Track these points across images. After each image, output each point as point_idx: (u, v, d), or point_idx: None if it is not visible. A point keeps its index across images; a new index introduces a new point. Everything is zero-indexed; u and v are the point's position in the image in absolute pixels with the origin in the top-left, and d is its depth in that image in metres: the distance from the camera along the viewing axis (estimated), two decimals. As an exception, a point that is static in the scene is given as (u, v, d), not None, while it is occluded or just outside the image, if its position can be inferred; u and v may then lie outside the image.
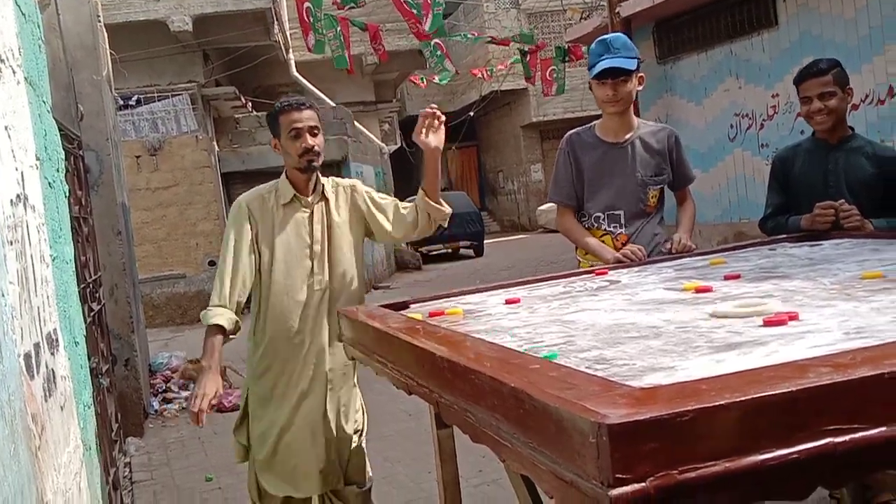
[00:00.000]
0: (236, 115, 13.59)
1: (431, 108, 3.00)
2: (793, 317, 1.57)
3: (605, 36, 3.16)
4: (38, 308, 2.00)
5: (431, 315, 2.34)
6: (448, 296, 2.77)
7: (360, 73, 17.74)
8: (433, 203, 3.03)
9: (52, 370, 2.07)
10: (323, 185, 3.05)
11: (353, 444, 3.06)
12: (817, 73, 3.12)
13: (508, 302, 2.38)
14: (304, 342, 2.94)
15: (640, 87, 3.18)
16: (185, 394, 6.92)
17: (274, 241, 2.94)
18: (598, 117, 3.34)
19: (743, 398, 1.07)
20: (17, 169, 2.00)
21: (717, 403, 1.07)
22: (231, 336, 2.85)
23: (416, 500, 4.05)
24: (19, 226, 1.91)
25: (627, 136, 3.21)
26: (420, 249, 19.04)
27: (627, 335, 1.67)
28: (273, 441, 2.94)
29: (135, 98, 11.46)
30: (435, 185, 3.04)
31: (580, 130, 3.32)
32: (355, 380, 3.11)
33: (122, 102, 10.28)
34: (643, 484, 1.05)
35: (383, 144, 19.47)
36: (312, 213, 3.00)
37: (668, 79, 10.92)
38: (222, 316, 2.82)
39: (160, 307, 11.28)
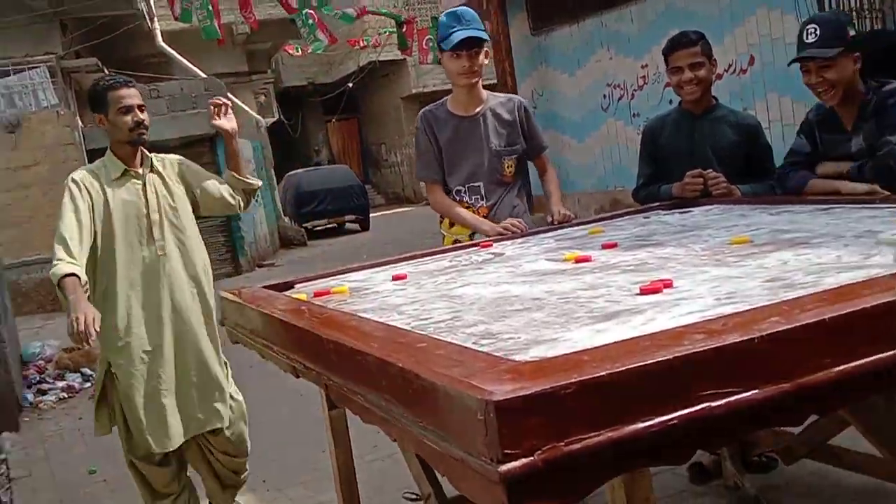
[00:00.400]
0: (101, 89, 12.92)
1: (217, 100, 3.32)
2: (667, 284, 1.63)
3: (454, 9, 3.22)
4: None
5: (317, 295, 2.31)
6: (334, 274, 2.74)
7: (232, 43, 17.17)
8: (240, 177, 3.39)
9: None
10: (151, 159, 3.23)
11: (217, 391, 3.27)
12: (687, 44, 3.22)
13: (395, 278, 2.38)
14: (152, 307, 3.12)
15: (487, 61, 3.24)
16: (60, 384, 6.61)
17: (111, 214, 3.08)
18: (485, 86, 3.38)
19: (622, 368, 1.11)
20: None
21: (598, 375, 1.10)
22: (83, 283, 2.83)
23: (312, 481, 4.03)
24: None
25: (478, 109, 3.26)
26: (305, 225, 18.78)
27: (512, 308, 1.69)
28: (140, 400, 3.10)
29: (-13, 72, 10.71)
30: (237, 161, 3.41)
31: (433, 107, 3.37)
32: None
33: (-28, 77, 9.59)
34: (531, 458, 1.07)
35: (260, 118, 18.98)
36: (145, 184, 3.16)
37: (541, 50, 11.10)
38: (73, 265, 2.83)
39: (29, 294, 10.67)
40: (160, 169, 3.23)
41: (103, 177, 3.12)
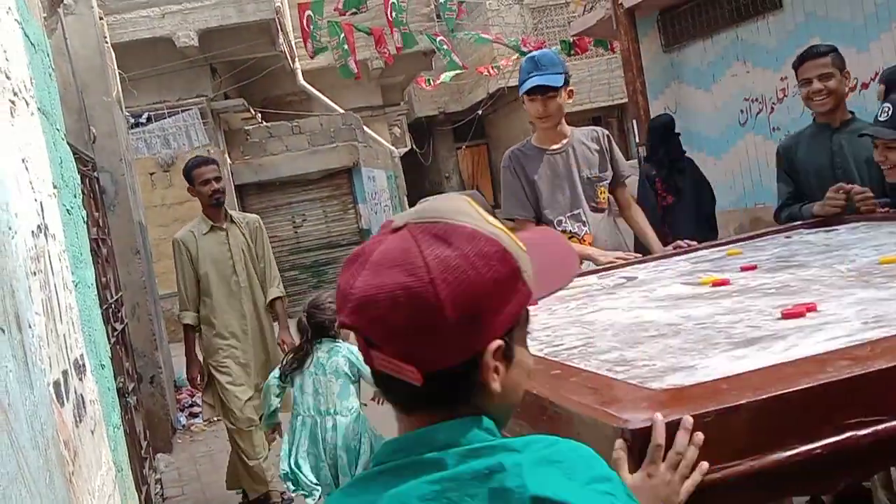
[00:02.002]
0: (246, 127, 13.66)
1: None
2: (811, 308, 1.57)
3: (534, 53, 3.33)
4: (64, 335, 2.03)
5: None
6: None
7: (367, 77, 17.77)
8: (281, 330, 4.45)
9: (81, 395, 2.11)
10: (231, 215, 4.40)
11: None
12: (815, 56, 3.17)
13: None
14: (241, 320, 4.30)
15: (570, 101, 3.30)
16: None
17: (205, 260, 4.25)
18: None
19: (763, 397, 1.09)
20: (36, 199, 2.03)
21: (738, 403, 1.08)
22: (196, 328, 4.34)
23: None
24: (41, 256, 1.94)
25: (565, 142, 3.33)
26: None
27: (647, 334, 1.68)
28: (235, 386, 4.24)
29: (145, 116, 11.53)
30: (286, 328, 4.43)
31: (519, 146, 3.44)
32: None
33: (133, 121, 10.36)
34: (669, 485, 1.06)
35: (393, 148, 19.50)
36: (228, 234, 4.32)
37: (674, 67, 10.87)
38: (190, 317, 4.32)
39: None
40: (239, 223, 4.39)
41: (196, 232, 4.30)
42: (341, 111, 15.11)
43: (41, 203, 2.08)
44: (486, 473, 0.85)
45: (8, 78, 1.95)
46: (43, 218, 2.06)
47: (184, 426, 6.70)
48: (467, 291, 0.88)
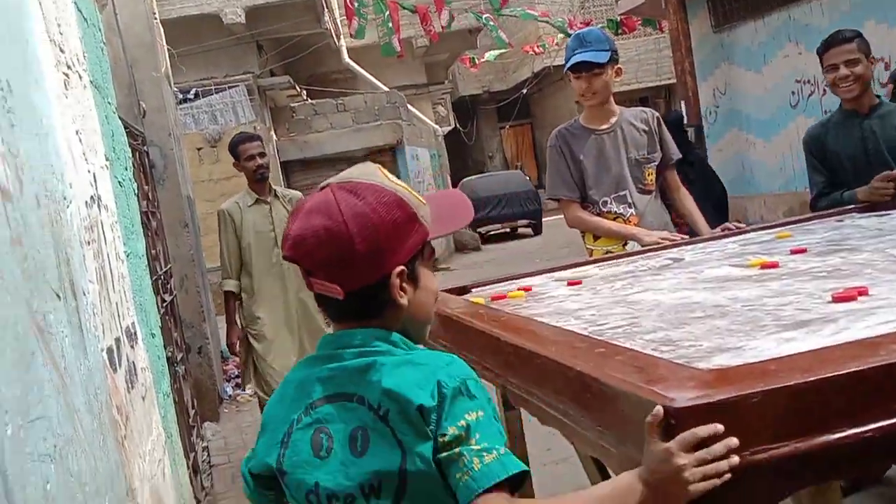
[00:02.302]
0: (292, 105, 13.75)
1: None
2: (862, 291, 1.54)
3: (580, 31, 3.29)
4: (117, 303, 2.08)
5: (494, 298, 2.36)
6: (509, 279, 2.79)
7: (411, 55, 17.75)
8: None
9: (133, 362, 2.16)
10: (275, 190, 4.53)
11: None
12: (842, 41, 3.14)
13: (570, 284, 2.39)
14: (283, 292, 4.41)
15: (618, 79, 3.25)
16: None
17: (249, 231, 4.38)
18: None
19: (812, 378, 1.07)
20: (89, 171, 2.08)
21: (786, 384, 1.07)
22: (238, 295, 4.44)
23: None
24: (95, 226, 1.99)
25: (613, 121, 3.28)
26: (479, 230, 19.06)
27: (693, 315, 1.66)
28: (271, 356, 4.35)
29: (193, 91, 11.67)
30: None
31: (566, 125, 3.40)
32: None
33: (181, 97, 10.49)
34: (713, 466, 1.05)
35: (437, 127, 19.48)
36: (271, 208, 4.43)
37: (724, 47, 10.66)
38: (232, 284, 4.43)
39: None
40: (283, 198, 4.51)
41: (242, 204, 4.43)
42: (385, 89, 15.13)
43: (94, 174, 2.12)
44: (363, 368, 1.18)
45: (62, 51, 1.99)
46: (96, 189, 2.10)
47: (230, 396, 6.83)
48: (372, 230, 1.17)
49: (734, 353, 1.32)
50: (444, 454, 1.10)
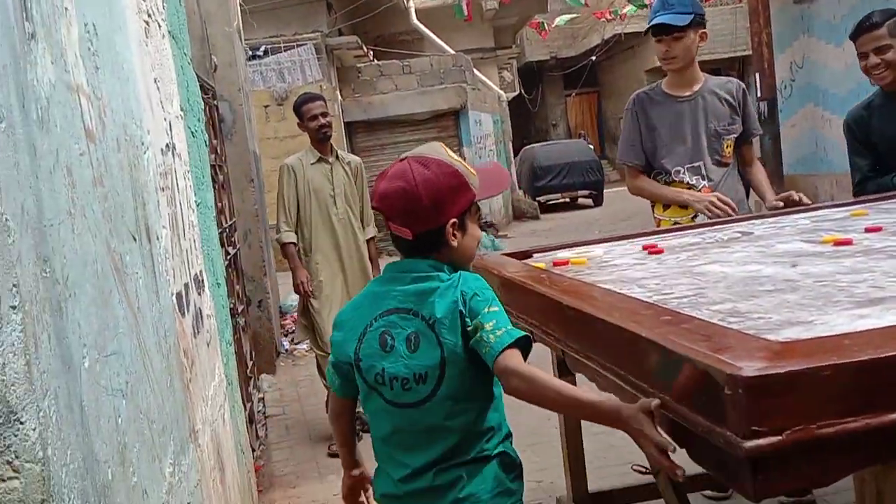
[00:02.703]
0: (358, 65, 13.77)
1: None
2: (942, 272, 1.49)
3: None
4: (187, 251, 2.14)
5: (555, 264, 2.35)
6: (571, 245, 2.77)
7: (480, 18, 17.57)
8: (372, 261, 4.60)
9: (200, 309, 2.22)
10: (337, 151, 4.58)
11: None
12: (870, 28, 3.05)
13: (649, 250, 2.32)
14: (336, 250, 4.48)
15: (702, 44, 3.14)
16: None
17: (309, 188, 4.42)
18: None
19: (886, 355, 1.05)
20: (165, 119, 2.12)
21: (858, 359, 1.05)
22: (297, 244, 4.45)
23: (539, 444, 4.11)
24: (169, 173, 2.04)
25: (696, 88, 3.18)
26: (538, 198, 18.94)
27: (762, 288, 1.63)
28: (326, 312, 4.39)
29: (262, 49, 11.78)
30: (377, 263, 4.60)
31: (647, 90, 3.31)
32: None
33: (250, 53, 10.60)
34: (779, 437, 1.04)
35: (502, 92, 19.32)
36: (332, 168, 4.48)
37: (804, 19, 10.29)
38: (291, 235, 4.44)
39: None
40: (342, 161, 4.56)
41: (304, 161, 4.45)
42: (452, 52, 15.04)
43: (170, 123, 2.17)
44: (421, 291, 1.63)
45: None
46: (171, 137, 2.15)
47: (287, 350, 6.97)
48: (435, 191, 1.61)
49: (805, 326, 1.30)
50: (473, 340, 1.58)
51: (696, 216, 3.06)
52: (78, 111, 1.23)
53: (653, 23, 3.08)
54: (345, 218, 4.49)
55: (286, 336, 7.27)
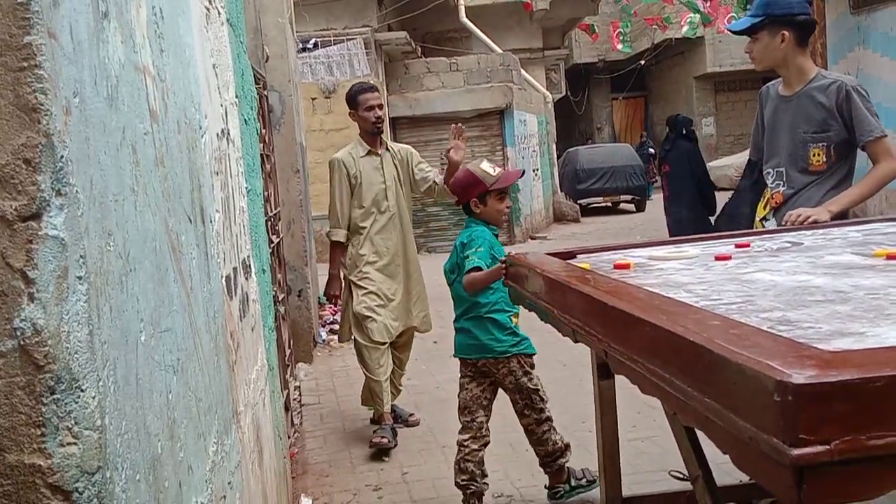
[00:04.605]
0: (406, 61, 13.82)
1: (458, 128, 4.32)
2: None
3: None
4: (237, 235, 2.17)
5: (617, 267, 2.33)
6: (617, 248, 2.76)
7: (529, 18, 17.52)
8: (447, 190, 4.30)
9: (246, 293, 2.25)
10: (387, 143, 4.53)
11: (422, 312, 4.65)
12: None
13: (719, 258, 2.27)
14: (385, 246, 4.45)
15: (783, 44, 3.05)
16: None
17: (360, 181, 4.40)
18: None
19: (945, 369, 1.03)
20: (221, 105, 2.16)
21: (914, 372, 1.03)
22: (345, 247, 4.50)
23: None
24: (223, 158, 2.07)
25: (798, 90, 3.10)
26: (579, 201, 18.83)
27: (812, 298, 1.61)
28: (368, 305, 4.39)
29: (312, 42, 11.88)
30: (450, 179, 4.25)
31: (773, 82, 3.27)
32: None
33: (301, 46, 10.70)
34: (827, 446, 1.03)
35: (548, 93, 19.23)
36: (382, 161, 4.44)
37: (861, 31, 10.09)
38: (341, 234, 4.48)
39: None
40: (393, 152, 4.51)
41: (354, 154, 4.42)
42: (500, 51, 15.02)
43: (225, 109, 2.20)
44: (465, 238, 3.29)
45: (205, -13, 2.06)
46: (226, 123, 2.18)
47: (324, 341, 7.03)
48: (463, 184, 3.36)
49: (856, 338, 1.28)
50: (461, 261, 3.19)
51: (765, 219, 3.04)
52: (143, 91, 1.26)
53: (730, 26, 3.19)
54: (394, 212, 4.43)
55: (324, 326, 7.33)
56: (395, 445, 4.25)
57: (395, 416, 4.54)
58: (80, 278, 0.91)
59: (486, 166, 3.33)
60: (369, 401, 4.63)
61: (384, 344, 4.42)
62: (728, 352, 1.20)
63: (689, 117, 9.57)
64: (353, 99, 4.43)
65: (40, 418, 0.90)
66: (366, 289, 4.39)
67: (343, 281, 4.51)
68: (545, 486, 3.55)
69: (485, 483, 3.37)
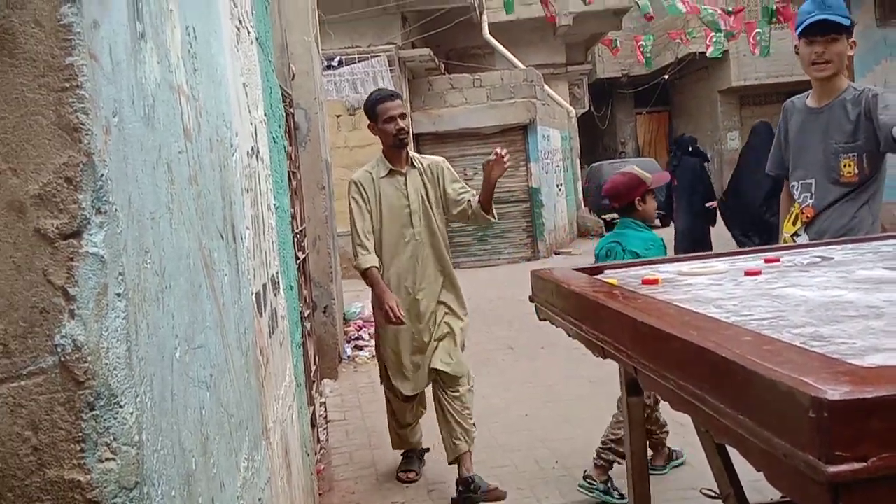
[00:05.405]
0: (430, 78, 13.90)
1: (501, 151, 3.66)
2: None
3: None
4: (266, 252, 2.19)
5: (645, 283, 2.32)
6: (644, 263, 2.74)
7: (553, 34, 17.56)
8: (485, 214, 3.83)
9: (275, 310, 2.27)
10: (413, 158, 3.87)
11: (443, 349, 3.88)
12: None
13: (748, 273, 2.26)
14: (408, 279, 3.83)
15: (851, 52, 2.99)
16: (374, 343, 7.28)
17: (381, 205, 3.81)
18: (804, 83, 3.20)
19: None
20: (251, 123, 2.18)
21: (954, 389, 1.01)
22: (380, 268, 3.79)
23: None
24: (253, 176, 2.09)
25: (830, 101, 3.01)
26: (604, 217, 18.76)
27: (845, 314, 1.59)
28: (393, 343, 3.88)
29: (337, 59, 11.98)
30: (490, 200, 3.78)
31: (798, 96, 3.20)
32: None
33: (325, 63, 10.79)
34: (864, 464, 1.02)
35: (571, 108, 19.24)
36: (407, 180, 3.82)
37: (888, 43, 10.01)
38: (373, 259, 3.77)
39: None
40: (421, 168, 3.86)
41: (374, 174, 3.83)
42: (523, 67, 15.06)
43: (255, 127, 2.23)
44: (616, 234, 3.70)
45: (235, 6, 2.09)
46: (256, 141, 2.21)
47: (349, 357, 7.05)
48: (622, 187, 3.65)
49: (891, 353, 1.26)
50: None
51: (796, 235, 2.99)
52: (178, 110, 1.28)
53: (811, 21, 2.87)
54: (421, 238, 3.82)
55: (348, 343, 7.36)
56: (420, 476, 4.15)
57: (475, 487, 3.76)
58: (118, 295, 0.93)
59: (637, 170, 3.71)
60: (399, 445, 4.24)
61: (411, 398, 3.99)
62: (761, 368, 1.19)
63: (694, 136, 10.54)
64: (371, 109, 3.82)
65: (80, 434, 0.91)
66: (390, 339, 3.89)
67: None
68: (584, 474, 3.65)
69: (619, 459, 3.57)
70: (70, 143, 0.90)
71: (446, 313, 3.91)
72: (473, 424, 3.89)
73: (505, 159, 3.62)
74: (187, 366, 1.22)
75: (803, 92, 3.22)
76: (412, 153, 3.90)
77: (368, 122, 3.87)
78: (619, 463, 3.50)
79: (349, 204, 3.84)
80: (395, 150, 3.83)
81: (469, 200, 3.84)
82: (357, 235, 3.81)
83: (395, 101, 3.81)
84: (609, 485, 3.55)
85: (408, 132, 3.90)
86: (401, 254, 3.81)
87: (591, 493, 3.58)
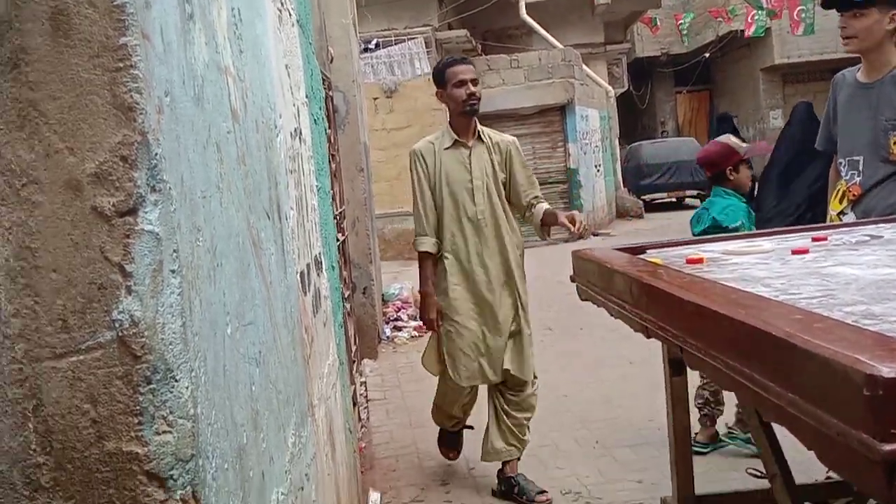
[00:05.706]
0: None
1: (581, 228, 3.42)
2: None
3: None
4: (309, 232, 2.21)
5: (689, 262, 2.30)
6: (688, 242, 2.72)
7: (591, 13, 17.36)
8: (540, 228, 3.70)
9: (318, 289, 2.29)
10: (481, 132, 3.64)
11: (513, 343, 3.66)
12: None
13: (795, 252, 2.23)
14: (471, 260, 3.59)
15: (891, 26, 2.87)
16: (413, 323, 7.33)
17: (441, 178, 3.60)
18: (851, 60, 3.11)
19: None
20: (294, 105, 2.20)
21: None
22: (436, 256, 3.63)
23: (640, 445, 4.06)
24: (296, 157, 2.11)
25: (881, 76, 2.94)
26: (643, 197, 18.60)
27: (897, 292, 1.56)
28: (454, 335, 3.61)
29: (374, 42, 11.99)
30: (550, 224, 3.65)
31: (849, 69, 3.13)
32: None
33: (363, 46, 10.80)
34: (920, 443, 1.00)
35: (610, 88, 19.04)
36: (471, 154, 3.60)
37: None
38: (429, 243, 3.60)
39: (391, 242, 11.91)
40: (489, 143, 3.64)
41: (437, 145, 3.63)
42: (561, 47, 14.92)
43: (297, 109, 2.24)
44: (707, 202, 3.87)
45: (277, -11, 2.10)
46: (298, 123, 2.22)
47: (388, 337, 7.10)
48: (715, 156, 3.83)
49: (948, 332, 1.24)
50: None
51: (843, 213, 2.93)
52: (226, 91, 1.29)
53: None
54: (485, 217, 3.58)
55: (388, 324, 7.41)
56: (459, 454, 4.03)
57: (519, 491, 3.61)
58: (173, 272, 0.95)
59: (733, 139, 3.83)
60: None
61: (468, 389, 3.74)
62: (813, 346, 1.18)
63: (731, 114, 10.33)
64: (440, 74, 3.60)
65: (137, 407, 0.93)
66: (453, 322, 3.61)
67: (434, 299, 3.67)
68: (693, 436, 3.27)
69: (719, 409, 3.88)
70: (125, 123, 0.91)
71: (513, 307, 3.69)
72: (528, 429, 3.71)
73: (575, 229, 3.43)
74: (238, 342, 1.23)
75: (840, 69, 3.15)
76: (481, 127, 3.66)
77: (437, 88, 3.66)
78: (719, 413, 3.87)
79: (411, 177, 3.67)
80: (463, 119, 3.59)
81: (532, 202, 3.66)
82: (417, 213, 3.64)
83: (466, 64, 3.62)
84: (727, 431, 3.91)
85: (479, 98, 3.56)
86: (460, 229, 3.58)
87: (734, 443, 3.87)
